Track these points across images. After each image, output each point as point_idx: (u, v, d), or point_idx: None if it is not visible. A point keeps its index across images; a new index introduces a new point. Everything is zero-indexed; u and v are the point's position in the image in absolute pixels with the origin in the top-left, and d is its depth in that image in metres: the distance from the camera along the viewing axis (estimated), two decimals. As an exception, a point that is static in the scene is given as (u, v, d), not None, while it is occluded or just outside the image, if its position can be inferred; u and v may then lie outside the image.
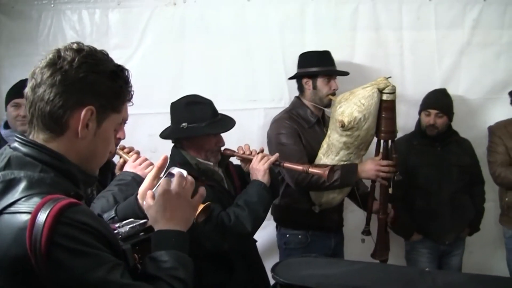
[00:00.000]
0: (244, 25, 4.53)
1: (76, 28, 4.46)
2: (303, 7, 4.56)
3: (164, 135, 3.45)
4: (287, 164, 3.38)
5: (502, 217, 4.60)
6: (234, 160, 3.57)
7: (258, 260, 3.52)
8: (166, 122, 4.23)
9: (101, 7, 4.45)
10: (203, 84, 4.42)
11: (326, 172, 3.32)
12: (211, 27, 4.50)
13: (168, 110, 4.13)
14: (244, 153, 3.41)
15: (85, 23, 4.46)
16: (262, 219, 3.24)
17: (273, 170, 3.44)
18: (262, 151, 3.42)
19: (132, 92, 1.79)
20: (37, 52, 4.30)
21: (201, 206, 2.16)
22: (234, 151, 3.44)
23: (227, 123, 3.38)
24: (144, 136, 4.23)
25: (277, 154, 3.35)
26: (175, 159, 3.29)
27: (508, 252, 4.59)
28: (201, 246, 2.85)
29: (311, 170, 3.34)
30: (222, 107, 3.82)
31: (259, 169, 3.26)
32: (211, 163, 3.35)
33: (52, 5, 4.43)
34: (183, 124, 3.29)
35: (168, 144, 4.18)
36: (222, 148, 3.41)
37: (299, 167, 3.38)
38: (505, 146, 4.43)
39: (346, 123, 3.63)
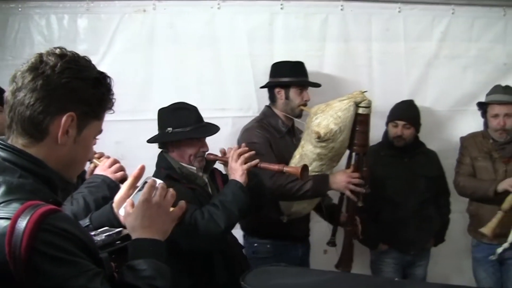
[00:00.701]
0: (214, 33, 4.55)
1: (44, 33, 4.42)
2: (273, 17, 4.60)
3: (151, 140, 3.54)
4: (263, 165, 3.41)
5: (469, 226, 4.70)
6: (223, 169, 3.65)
7: (242, 263, 3.54)
8: (134, 130, 4.29)
9: (70, 12, 4.42)
10: (171, 92, 4.42)
11: (299, 170, 3.35)
12: (180, 35, 4.50)
13: (136, 117, 4.21)
14: (224, 156, 3.48)
15: (53, 28, 4.42)
16: (237, 218, 3.27)
17: (256, 174, 3.49)
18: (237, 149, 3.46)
19: (114, 100, 1.80)
20: (4, 57, 4.31)
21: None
22: (217, 156, 3.52)
23: (211, 128, 3.49)
24: (111, 143, 4.18)
25: (253, 152, 3.39)
26: (161, 163, 3.44)
27: (474, 260, 4.68)
28: (177, 246, 2.88)
29: (286, 169, 3.38)
30: (190, 115, 3.86)
31: (236, 169, 3.30)
32: (194, 168, 3.43)
33: (19, 9, 4.37)
34: (168, 129, 3.41)
35: (136, 152, 4.23)
36: (206, 153, 3.49)
37: (275, 167, 3.42)
38: (470, 157, 4.54)
39: (322, 135, 3.66)
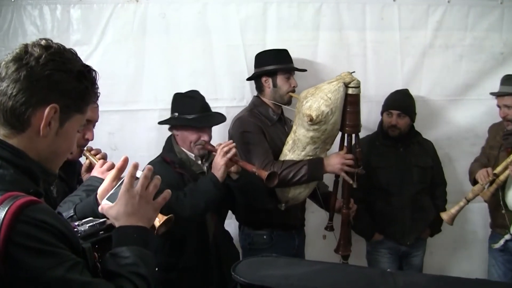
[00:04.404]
0: (206, 23, 4.64)
1: (37, 24, 4.51)
2: (266, 6, 4.68)
3: (161, 122, 3.89)
4: (241, 163, 3.67)
5: None
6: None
7: (223, 254, 3.77)
8: (126, 120, 4.44)
9: (63, 2, 4.50)
10: (163, 82, 4.58)
11: (266, 175, 3.54)
12: (172, 25, 4.60)
13: (128, 108, 4.35)
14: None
15: (46, 18, 4.51)
16: (202, 209, 3.55)
17: (246, 176, 3.70)
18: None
19: (98, 94, 1.88)
20: (-3, 47, 4.39)
21: (164, 218, 2.26)
22: (214, 147, 3.71)
23: (212, 119, 3.83)
24: (104, 134, 4.32)
25: (234, 150, 3.60)
26: (165, 146, 3.86)
27: (488, 246, 4.82)
28: None
29: (257, 171, 3.59)
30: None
31: (217, 163, 3.57)
32: (193, 155, 3.76)
33: (12, 0, 4.45)
34: (175, 113, 3.80)
35: (129, 142, 4.41)
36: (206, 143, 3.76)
37: (249, 167, 3.64)
38: (489, 145, 4.69)
39: (314, 117, 3.76)
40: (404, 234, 4.69)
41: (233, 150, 3.59)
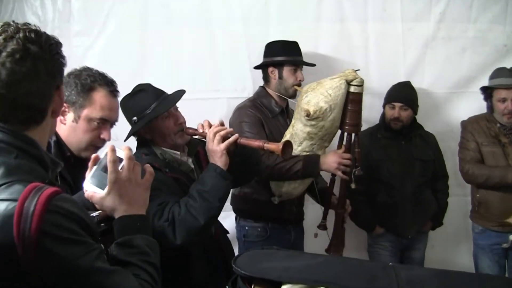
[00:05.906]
0: (208, 14, 4.66)
1: (38, 14, 4.55)
2: None
3: (126, 138, 3.28)
4: (243, 140, 3.15)
5: (473, 213, 4.82)
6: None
7: (226, 250, 3.47)
8: None
9: None
10: (165, 73, 4.57)
11: (280, 147, 3.06)
12: (174, 15, 4.62)
13: None
14: (203, 131, 3.21)
15: (47, 8, 4.56)
16: (217, 209, 3.02)
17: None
18: (221, 124, 3.19)
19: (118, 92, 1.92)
20: (-3, 37, 4.47)
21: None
22: (196, 130, 3.25)
23: (174, 96, 3.29)
24: None
25: (230, 130, 3.14)
26: (141, 148, 3.28)
27: (476, 247, 4.82)
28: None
29: (266, 145, 3.08)
30: (184, 96, 4.02)
31: (214, 150, 3.06)
32: (178, 153, 3.28)
33: None
34: (134, 118, 3.22)
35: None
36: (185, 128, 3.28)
37: (255, 143, 3.13)
38: (476, 142, 4.62)
39: (311, 112, 3.74)
40: (406, 227, 4.69)
41: (236, 135, 3.11)
